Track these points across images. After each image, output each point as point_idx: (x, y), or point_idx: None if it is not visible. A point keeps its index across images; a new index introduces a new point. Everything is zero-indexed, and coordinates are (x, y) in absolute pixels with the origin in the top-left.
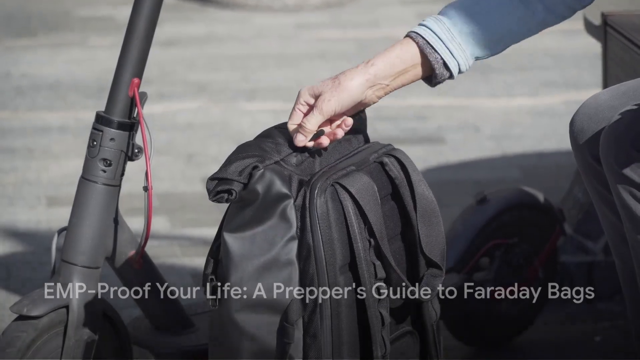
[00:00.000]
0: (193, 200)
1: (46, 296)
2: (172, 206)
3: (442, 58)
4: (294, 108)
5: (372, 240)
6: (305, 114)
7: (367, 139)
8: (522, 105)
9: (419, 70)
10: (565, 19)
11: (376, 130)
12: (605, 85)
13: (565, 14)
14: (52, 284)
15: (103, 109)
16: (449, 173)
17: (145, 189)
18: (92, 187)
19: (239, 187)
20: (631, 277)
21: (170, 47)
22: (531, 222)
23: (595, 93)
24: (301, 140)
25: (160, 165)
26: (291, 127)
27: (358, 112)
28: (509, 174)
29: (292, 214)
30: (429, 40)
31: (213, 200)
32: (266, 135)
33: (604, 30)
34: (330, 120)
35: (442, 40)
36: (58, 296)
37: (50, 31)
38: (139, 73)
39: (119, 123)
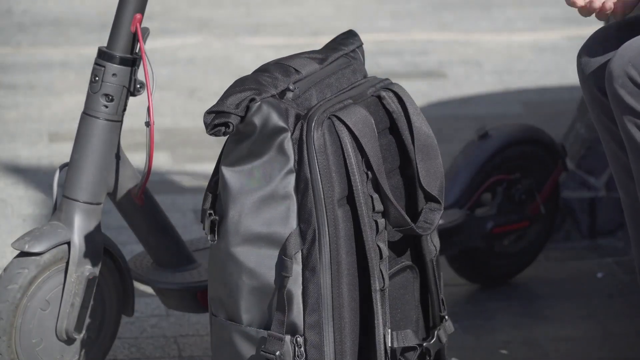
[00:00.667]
0: (195, 136)
1: (48, 232)
2: (174, 141)
3: None
4: None
5: (369, 173)
6: None
7: (364, 74)
8: (524, 41)
9: None
10: None
11: (379, 64)
12: (608, 20)
13: None
14: (54, 220)
15: (105, 44)
16: (451, 108)
17: (147, 124)
18: (94, 122)
19: (236, 120)
20: (636, 211)
21: None
22: (533, 158)
23: (601, 27)
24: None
25: (162, 100)
26: None
27: None
28: (510, 109)
29: (290, 147)
30: None
31: (210, 134)
32: (263, 69)
33: None
34: None
35: None
36: (60, 232)
37: None
38: (142, 8)
39: (121, 58)
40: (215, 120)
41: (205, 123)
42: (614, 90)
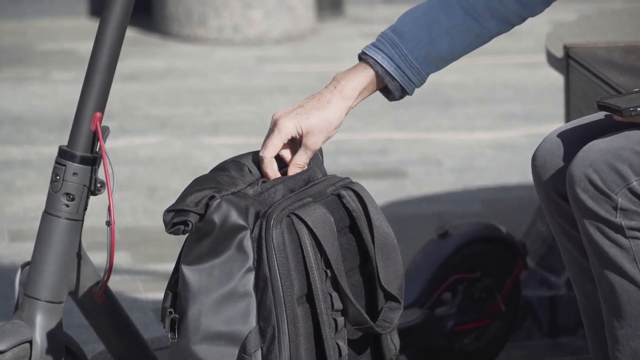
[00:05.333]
0: (155, 235)
1: (9, 331)
2: (134, 240)
3: (400, 85)
4: (270, 137)
5: (328, 271)
6: (287, 147)
7: (324, 173)
8: (484, 139)
9: (375, 90)
10: (515, 26)
11: (337, 164)
12: (568, 118)
13: (517, 23)
14: (16, 319)
15: (66, 143)
16: (411, 207)
17: (108, 223)
18: (55, 221)
19: (196, 219)
20: (593, 313)
21: (132, 81)
22: (493, 256)
23: (557, 127)
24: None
25: (122, 199)
26: (267, 157)
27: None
28: (470, 208)
29: (249, 246)
30: (388, 70)
31: (169, 232)
32: (221, 168)
33: (566, 62)
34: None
35: (400, 69)
36: (21, 331)
37: (13, 65)
38: (101, 107)
39: (82, 157)
40: (175, 218)
41: (164, 221)
42: (575, 194)
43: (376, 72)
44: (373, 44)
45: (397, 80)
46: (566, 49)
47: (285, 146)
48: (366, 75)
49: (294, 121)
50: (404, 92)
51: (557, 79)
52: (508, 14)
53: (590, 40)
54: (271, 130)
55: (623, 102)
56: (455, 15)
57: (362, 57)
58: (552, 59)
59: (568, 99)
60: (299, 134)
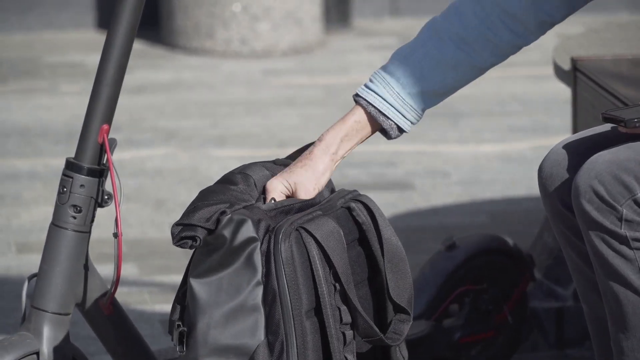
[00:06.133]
0: (162, 247)
1: (16, 343)
2: (141, 252)
3: (395, 124)
4: (264, 200)
5: (337, 284)
6: None
7: (332, 188)
8: (491, 151)
9: (370, 132)
10: (509, 57)
11: (345, 176)
12: (575, 130)
13: (512, 53)
14: (23, 330)
15: (73, 155)
16: (418, 219)
17: (115, 235)
18: (62, 233)
19: (204, 233)
20: (599, 324)
21: (139, 93)
22: (500, 268)
23: (563, 139)
24: None
25: (129, 211)
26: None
27: None
28: (478, 220)
29: (258, 259)
30: (381, 110)
31: (176, 245)
32: (228, 180)
33: (574, 75)
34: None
35: (394, 107)
36: (28, 342)
37: (20, 77)
38: (109, 119)
39: (89, 169)
40: (183, 232)
41: (172, 234)
42: (580, 205)
43: (369, 113)
44: (366, 85)
45: (391, 120)
46: (573, 61)
47: None
48: (359, 118)
49: (279, 179)
50: (400, 131)
51: (564, 91)
52: (502, 45)
53: (597, 53)
54: (263, 197)
55: (628, 113)
56: (445, 49)
57: (355, 100)
58: (559, 72)
59: (575, 111)
60: (288, 189)
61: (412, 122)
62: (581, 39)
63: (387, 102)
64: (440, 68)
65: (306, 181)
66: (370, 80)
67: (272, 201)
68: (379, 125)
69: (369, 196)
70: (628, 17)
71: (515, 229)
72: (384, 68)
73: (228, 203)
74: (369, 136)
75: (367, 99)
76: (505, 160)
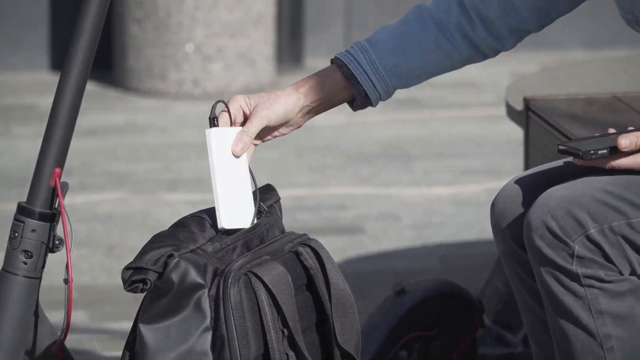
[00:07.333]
0: (113, 293)
1: None
2: (91, 299)
3: (364, 90)
4: (221, 112)
5: (285, 330)
6: (238, 122)
7: (282, 230)
8: (443, 194)
9: (342, 97)
10: (487, 58)
11: (296, 220)
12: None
13: (488, 54)
14: None
15: (25, 199)
16: (369, 263)
17: (66, 281)
18: (12, 279)
19: (154, 277)
20: None
21: (91, 136)
22: (450, 314)
23: (515, 176)
24: (242, 147)
25: (80, 257)
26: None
27: (274, 194)
28: (428, 264)
29: (206, 304)
30: (353, 71)
31: (128, 290)
32: (181, 224)
33: (526, 115)
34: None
35: (366, 73)
36: None
37: None
38: (61, 163)
39: (40, 214)
40: (133, 276)
41: (123, 279)
42: (532, 241)
43: (342, 74)
44: (345, 50)
45: (360, 85)
46: (526, 101)
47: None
48: (330, 75)
49: (244, 96)
50: (367, 100)
51: (517, 132)
52: (477, 40)
53: (550, 92)
54: (215, 118)
55: (584, 145)
56: (428, 30)
57: (332, 60)
58: (512, 112)
59: (527, 151)
60: (247, 105)
61: (380, 95)
62: (535, 78)
63: (360, 66)
64: (420, 48)
65: (267, 105)
66: (351, 46)
67: (215, 121)
68: (348, 91)
69: (318, 240)
70: (582, 55)
71: (466, 273)
72: (367, 39)
73: (175, 246)
74: (336, 101)
75: (342, 59)
76: (457, 203)
